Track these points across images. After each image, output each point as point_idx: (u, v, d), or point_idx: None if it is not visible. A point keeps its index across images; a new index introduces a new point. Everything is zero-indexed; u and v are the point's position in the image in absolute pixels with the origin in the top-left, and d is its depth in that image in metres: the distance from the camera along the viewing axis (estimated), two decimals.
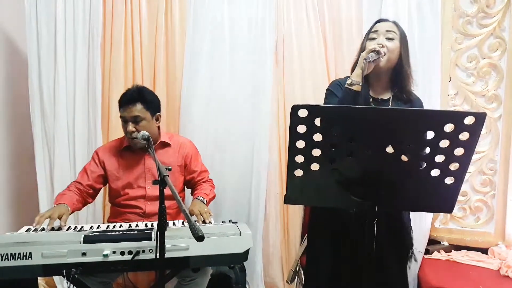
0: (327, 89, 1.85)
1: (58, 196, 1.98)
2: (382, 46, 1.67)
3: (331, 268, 1.79)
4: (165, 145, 2.14)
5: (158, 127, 2.13)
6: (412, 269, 2.44)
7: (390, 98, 1.78)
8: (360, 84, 1.62)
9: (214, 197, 2.21)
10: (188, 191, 2.31)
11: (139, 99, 1.99)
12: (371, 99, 1.77)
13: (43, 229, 1.74)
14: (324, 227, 1.82)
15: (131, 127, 1.96)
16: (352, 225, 1.69)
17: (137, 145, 2.02)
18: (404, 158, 1.17)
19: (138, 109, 1.98)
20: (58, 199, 1.94)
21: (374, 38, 1.74)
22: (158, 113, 2.10)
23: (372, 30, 1.77)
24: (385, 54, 1.67)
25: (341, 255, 1.75)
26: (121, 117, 2.01)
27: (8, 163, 2.53)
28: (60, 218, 1.76)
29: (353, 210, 1.70)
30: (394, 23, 1.79)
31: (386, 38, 1.72)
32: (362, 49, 1.76)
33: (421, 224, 2.44)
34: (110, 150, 2.11)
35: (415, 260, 1.87)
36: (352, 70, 1.82)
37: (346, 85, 1.66)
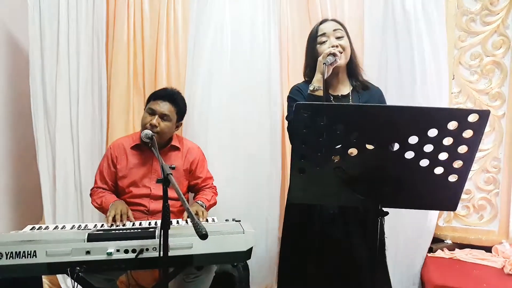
0: (288, 96, 1.88)
1: (104, 199, 2.03)
2: (337, 46, 1.72)
3: (306, 269, 1.80)
4: (175, 148, 2.15)
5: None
6: (416, 267, 2.45)
7: (349, 93, 1.82)
8: (322, 88, 1.66)
9: (215, 203, 2.23)
10: (191, 194, 2.32)
11: (174, 102, 2.07)
12: (332, 97, 1.80)
13: (47, 227, 1.76)
14: (300, 226, 1.83)
15: (155, 120, 2.00)
16: (332, 225, 1.72)
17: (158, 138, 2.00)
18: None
19: (170, 109, 2.05)
20: (109, 200, 2.01)
21: (324, 41, 1.77)
22: (181, 122, 2.17)
23: (319, 33, 1.79)
24: (341, 53, 1.72)
25: (316, 255, 1.77)
26: (149, 108, 2.03)
27: (11, 162, 2.54)
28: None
29: (333, 210, 1.73)
30: (335, 20, 1.84)
31: (336, 38, 1.76)
32: (313, 54, 1.80)
33: (426, 222, 2.43)
34: (122, 147, 2.12)
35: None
36: (304, 74, 1.90)
37: (309, 92, 1.69)
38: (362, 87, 1.83)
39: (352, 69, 1.84)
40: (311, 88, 1.69)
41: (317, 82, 1.68)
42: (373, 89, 1.86)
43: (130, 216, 1.92)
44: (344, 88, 1.84)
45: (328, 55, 1.66)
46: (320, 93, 1.66)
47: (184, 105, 2.16)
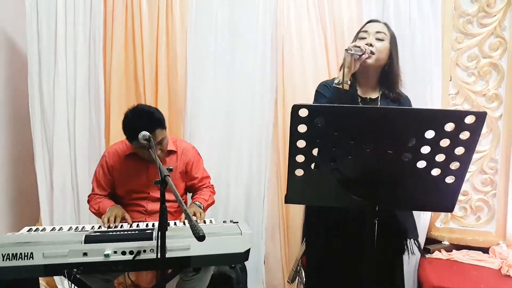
0: (316, 91, 1.85)
1: (101, 204, 2.03)
2: (371, 45, 1.69)
3: (331, 267, 1.80)
4: (171, 152, 2.13)
5: None
6: (410, 268, 2.44)
7: (378, 97, 1.79)
8: (349, 82, 1.62)
9: (213, 202, 2.22)
10: (189, 195, 2.31)
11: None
12: (359, 98, 1.78)
13: (44, 229, 1.75)
14: (320, 225, 1.82)
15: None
16: (350, 222, 1.71)
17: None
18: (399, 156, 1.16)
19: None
20: (106, 205, 2.02)
21: (364, 38, 1.76)
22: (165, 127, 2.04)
23: (363, 30, 1.78)
24: (372, 54, 1.67)
25: (339, 253, 1.76)
26: (141, 147, 1.85)
27: (8, 164, 2.54)
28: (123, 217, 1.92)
29: (352, 208, 1.71)
30: (385, 24, 1.81)
31: (376, 39, 1.74)
32: None
33: (420, 222, 2.43)
34: (117, 155, 2.10)
35: (413, 253, 1.84)
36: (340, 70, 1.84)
37: (334, 84, 1.65)
38: (393, 98, 1.77)
39: (386, 76, 1.78)
40: (336, 81, 1.64)
41: (340, 75, 1.62)
42: (404, 102, 1.81)
43: (127, 218, 1.92)
44: (373, 92, 1.80)
45: (354, 46, 1.62)
46: (346, 86, 1.61)
47: (160, 113, 2.00)
